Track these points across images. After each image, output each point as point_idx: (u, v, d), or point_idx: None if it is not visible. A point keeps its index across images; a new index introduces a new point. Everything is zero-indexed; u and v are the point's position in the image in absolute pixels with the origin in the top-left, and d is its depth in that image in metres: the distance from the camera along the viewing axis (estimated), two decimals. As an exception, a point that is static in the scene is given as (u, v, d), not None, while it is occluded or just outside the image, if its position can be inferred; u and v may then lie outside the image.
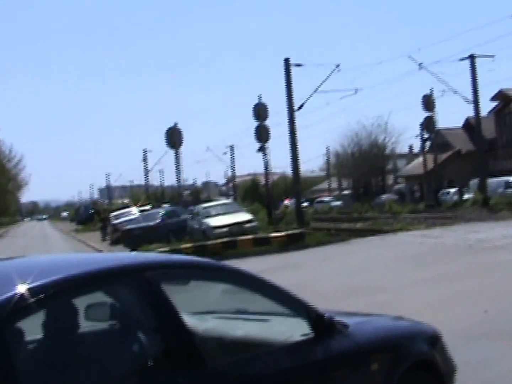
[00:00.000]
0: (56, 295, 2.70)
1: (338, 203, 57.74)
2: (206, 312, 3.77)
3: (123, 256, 4.08)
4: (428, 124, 41.59)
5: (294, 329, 3.36)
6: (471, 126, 43.42)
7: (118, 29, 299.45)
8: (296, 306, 3.38)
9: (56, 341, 2.92)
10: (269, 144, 31.77)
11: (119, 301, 3.13)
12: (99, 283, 2.90)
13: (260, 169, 40.63)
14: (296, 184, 31.75)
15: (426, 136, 44.75)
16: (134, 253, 5.01)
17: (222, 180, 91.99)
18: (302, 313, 3.35)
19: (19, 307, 2.53)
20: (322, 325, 3.31)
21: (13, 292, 2.55)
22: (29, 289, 2.58)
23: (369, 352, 3.52)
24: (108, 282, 2.95)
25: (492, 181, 36.35)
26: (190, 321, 3.08)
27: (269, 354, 3.19)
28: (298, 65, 30.39)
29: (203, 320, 3.53)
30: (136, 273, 2.97)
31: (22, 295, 2.55)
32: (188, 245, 19.23)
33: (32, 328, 2.87)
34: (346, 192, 65.86)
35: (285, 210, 45.43)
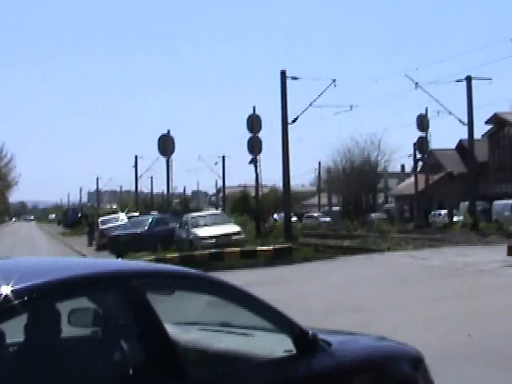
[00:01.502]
0: (40, 298, 2.68)
1: (327, 219, 57.81)
2: (190, 323, 3.75)
3: (109, 262, 4.05)
4: (421, 144, 41.77)
5: (277, 345, 3.34)
6: (464, 148, 43.68)
7: (114, 35, 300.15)
8: (280, 322, 3.36)
9: (38, 345, 2.89)
10: (261, 156, 31.76)
11: (103, 308, 3.11)
12: (83, 289, 2.88)
13: (251, 181, 40.64)
14: (286, 198, 31.74)
15: (418, 156, 44.95)
16: (120, 260, 4.99)
17: (212, 190, 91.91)
18: (286, 329, 3.33)
19: (2, 309, 2.51)
20: (306, 342, 3.29)
21: (-4, 294, 2.53)
22: (13, 291, 2.56)
23: (352, 371, 3.51)
24: (92, 288, 2.93)
25: (497, 203, 36.29)
26: (173, 331, 3.06)
27: (251, 369, 3.17)
28: (294, 78, 30.42)
29: (186, 331, 3.51)
30: (121, 281, 2.96)
31: (5, 296, 2.53)
32: (174, 254, 19.15)
33: (14, 330, 2.85)
34: (335, 208, 65.99)
35: (274, 223, 45.43)
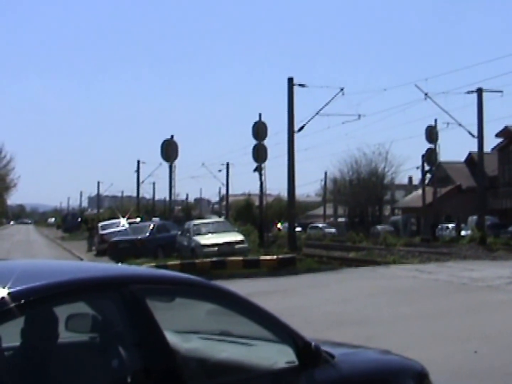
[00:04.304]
0: (38, 302, 2.63)
1: (332, 230, 57.69)
2: (190, 331, 3.68)
3: (109, 267, 4.00)
4: (429, 156, 41.47)
5: (279, 356, 3.28)
6: (474, 162, 43.40)
7: (118, 36, 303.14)
8: (282, 332, 3.29)
9: (35, 350, 2.83)
10: (266, 165, 31.62)
11: (102, 313, 3.06)
12: (82, 293, 2.83)
13: (255, 190, 40.58)
14: (291, 208, 31.60)
15: (427, 168, 44.64)
16: (120, 265, 4.92)
17: (215, 198, 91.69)
18: (289, 340, 3.26)
19: (-1, 311, 2.45)
20: (308, 353, 3.22)
21: (-8, 296, 2.47)
22: (9, 294, 2.50)
23: (354, 384, 3.43)
24: (91, 292, 2.88)
25: None
26: (173, 339, 3.01)
27: (251, 380, 3.12)
28: (301, 85, 30.10)
29: (187, 339, 3.44)
30: (121, 286, 2.89)
31: (2, 299, 2.47)
32: (175, 262, 19.07)
33: (10, 334, 2.79)
34: (341, 219, 65.82)
35: (278, 233, 45.31)
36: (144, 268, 4.39)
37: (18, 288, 2.55)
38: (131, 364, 2.81)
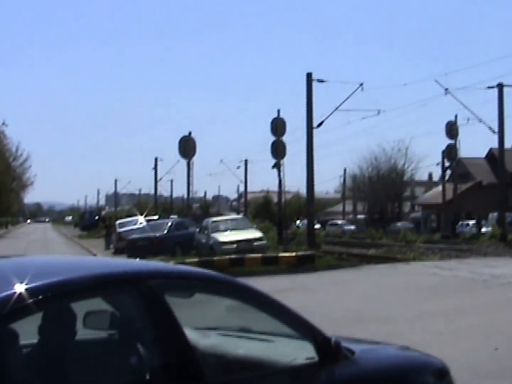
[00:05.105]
0: (55, 298, 2.62)
1: (352, 227, 57.41)
2: (209, 327, 3.67)
3: (127, 262, 3.99)
4: (450, 152, 41.02)
5: (299, 352, 3.26)
6: (495, 158, 42.81)
7: (135, 33, 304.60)
8: (302, 328, 3.27)
9: (52, 346, 2.83)
10: (285, 161, 31.44)
11: (120, 310, 3.04)
12: (100, 289, 2.82)
13: (274, 187, 40.48)
14: (310, 205, 31.47)
15: (447, 164, 44.17)
16: (138, 260, 4.92)
17: (233, 195, 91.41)
18: (308, 335, 3.23)
19: (16, 308, 2.45)
20: (328, 349, 3.19)
21: (10, 292, 2.47)
22: (27, 290, 2.49)
23: (374, 381, 3.40)
24: (109, 288, 2.86)
25: None
26: (192, 335, 2.98)
27: (271, 376, 3.09)
28: (320, 81, 29.80)
29: (206, 335, 3.43)
30: (139, 281, 2.88)
31: (20, 295, 2.46)
32: (194, 259, 19.07)
33: (28, 331, 2.79)
34: (360, 216, 65.50)
35: (296, 230, 45.22)
36: (162, 264, 4.38)
37: (36, 284, 2.54)
38: (149, 361, 2.79)
